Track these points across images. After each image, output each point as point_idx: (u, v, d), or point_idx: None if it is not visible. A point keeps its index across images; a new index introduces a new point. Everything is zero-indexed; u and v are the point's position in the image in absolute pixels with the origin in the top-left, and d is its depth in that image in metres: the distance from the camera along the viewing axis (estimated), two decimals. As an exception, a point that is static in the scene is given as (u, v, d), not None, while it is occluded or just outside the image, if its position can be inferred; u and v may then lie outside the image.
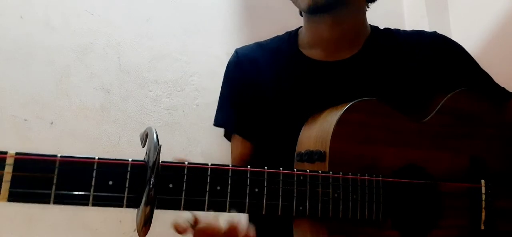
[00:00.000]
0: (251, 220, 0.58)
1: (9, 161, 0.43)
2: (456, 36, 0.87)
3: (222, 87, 0.91)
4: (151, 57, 1.32)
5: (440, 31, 0.88)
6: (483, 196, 0.68)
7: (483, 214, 0.68)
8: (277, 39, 0.90)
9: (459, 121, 0.70)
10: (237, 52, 0.90)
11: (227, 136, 0.91)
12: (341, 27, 0.80)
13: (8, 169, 0.43)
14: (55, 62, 1.19)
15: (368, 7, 0.87)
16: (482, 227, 0.67)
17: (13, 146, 1.19)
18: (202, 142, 1.32)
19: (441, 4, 1.62)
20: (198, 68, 1.37)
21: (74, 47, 1.22)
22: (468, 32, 1.48)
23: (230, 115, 0.87)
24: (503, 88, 0.84)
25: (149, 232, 0.46)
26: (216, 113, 0.90)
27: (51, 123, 1.16)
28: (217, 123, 0.89)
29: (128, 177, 0.47)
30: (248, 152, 0.86)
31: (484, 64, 0.85)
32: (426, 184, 0.65)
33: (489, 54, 1.38)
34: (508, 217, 0.70)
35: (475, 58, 0.85)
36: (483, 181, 0.69)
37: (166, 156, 1.46)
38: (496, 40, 1.39)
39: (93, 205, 0.45)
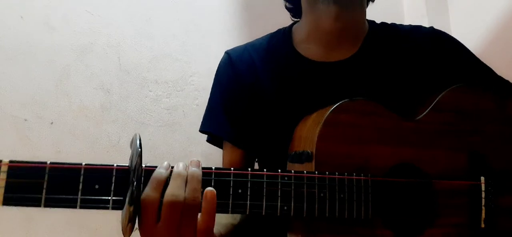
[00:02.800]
0: (248, 225, 0.58)
1: (4, 168, 0.47)
2: (456, 35, 0.86)
3: (212, 90, 0.87)
4: (151, 57, 1.32)
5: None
6: (483, 194, 0.68)
7: (483, 211, 0.67)
8: (270, 37, 0.87)
9: (458, 118, 0.70)
10: (229, 54, 0.86)
11: (213, 141, 0.87)
12: (344, 22, 0.78)
13: (3, 176, 0.47)
14: (55, 62, 1.19)
15: (367, 5, 0.87)
16: (482, 225, 0.67)
17: (13, 146, 1.19)
18: (202, 142, 1.31)
19: (441, 3, 1.62)
20: (198, 68, 1.37)
21: (74, 47, 1.22)
22: (468, 31, 1.48)
23: (222, 122, 0.82)
24: (507, 81, 0.82)
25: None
26: (204, 118, 0.85)
27: (51, 123, 1.16)
28: (206, 128, 0.84)
29: (113, 181, 0.50)
30: (239, 158, 0.83)
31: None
32: (419, 182, 0.65)
33: (489, 53, 1.38)
34: (510, 214, 0.69)
35: (475, 57, 0.85)
36: (483, 178, 0.68)
37: (166, 156, 1.46)
38: (496, 40, 1.39)
39: (81, 207, 0.49)
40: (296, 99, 0.78)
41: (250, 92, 0.81)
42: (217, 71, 0.88)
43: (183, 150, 1.30)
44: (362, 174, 0.60)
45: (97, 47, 1.25)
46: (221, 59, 0.88)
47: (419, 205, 0.65)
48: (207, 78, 0.92)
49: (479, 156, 0.69)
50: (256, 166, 0.88)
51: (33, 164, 0.48)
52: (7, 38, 1.14)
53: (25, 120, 1.14)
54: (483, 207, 0.67)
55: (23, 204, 0.47)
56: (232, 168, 0.54)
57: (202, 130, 0.85)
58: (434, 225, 0.64)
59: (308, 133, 0.64)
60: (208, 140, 0.87)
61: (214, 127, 0.84)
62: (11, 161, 0.47)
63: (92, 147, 1.20)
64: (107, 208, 0.49)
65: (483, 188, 0.68)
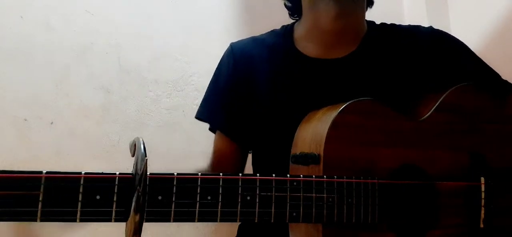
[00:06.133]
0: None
1: None
2: (456, 35, 0.86)
3: (212, 79, 0.89)
4: (151, 57, 1.32)
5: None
6: (483, 194, 0.68)
7: (483, 212, 0.67)
8: (274, 34, 0.88)
9: (458, 118, 0.69)
10: (232, 47, 0.88)
11: (212, 129, 0.89)
12: (344, 21, 0.78)
13: None
14: (55, 62, 1.19)
15: (366, 9, 0.86)
16: (481, 225, 0.67)
17: (13, 146, 1.19)
18: (202, 142, 1.31)
19: (441, 3, 1.62)
20: (198, 68, 1.37)
21: (74, 47, 1.22)
22: (468, 31, 1.47)
23: (217, 111, 0.84)
24: (505, 81, 0.82)
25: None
26: (201, 105, 0.87)
27: (51, 123, 1.16)
28: (201, 116, 0.86)
29: (115, 190, 0.47)
30: (229, 150, 0.84)
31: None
32: (423, 185, 0.65)
33: (489, 53, 1.37)
34: (509, 214, 0.69)
35: (475, 57, 0.85)
36: (482, 179, 0.68)
37: (166, 156, 1.45)
38: (496, 40, 1.39)
39: (81, 221, 0.46)
40: (292, 95, 0.78)
41: (247, 86, 0.82)
42: (220, 61, 0.90)
43: (183, 150, 1.30)
44: (369, 178, 0.59)
45: (97, 47, 1.25)
46: (225, 50, 0.89)
47: (423, 207, 0.65)
48: (207, 78, 0.92)
49: (480, 156, 0.69)
50: (249, 157, 0.90)
51: (26, 175, 0.44)
52: (7, 38, 1.14)
53: (25, 120, 1.13)
54: (482, 208, 0.67)
55: (16, 218, 0.43)
56: (240, 174, 0.53)
57: (197, 117, 0.87)
58: (436, 226, 0.64)
59: (314, 134, 0.63)
60: (209, 129, 0.89)
61: (208, 115, 0.86)
62: (1, 172, 0.43)
63: (92, 147, 1.20)
64: (110, 220, 0.46)
65: (482, 188, 0.68)
